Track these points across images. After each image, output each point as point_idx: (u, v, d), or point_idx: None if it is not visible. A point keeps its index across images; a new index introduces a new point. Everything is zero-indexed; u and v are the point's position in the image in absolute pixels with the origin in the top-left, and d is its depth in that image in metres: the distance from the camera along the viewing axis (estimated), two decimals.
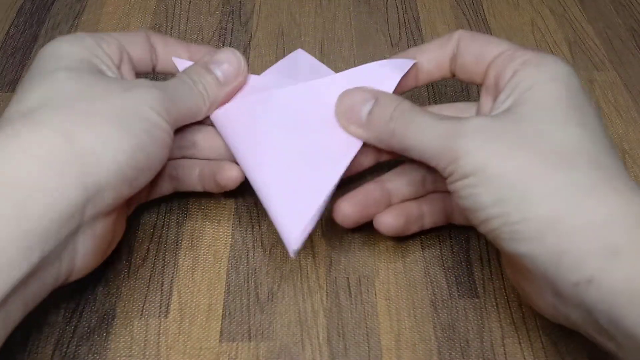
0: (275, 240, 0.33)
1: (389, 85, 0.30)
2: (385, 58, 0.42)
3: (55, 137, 0.25)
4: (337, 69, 0.42)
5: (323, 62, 0.43)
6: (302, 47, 0.44)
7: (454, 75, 0.31)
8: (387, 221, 0.30)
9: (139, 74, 0.32)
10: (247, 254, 0.33)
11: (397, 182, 0.31)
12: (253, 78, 0.33)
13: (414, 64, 0.31)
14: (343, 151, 0.29)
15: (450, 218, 0.33)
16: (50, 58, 0.28)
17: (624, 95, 0.41)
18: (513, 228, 0.24)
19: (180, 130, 0.31)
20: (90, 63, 0.29)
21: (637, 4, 0.48)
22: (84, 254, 0.27)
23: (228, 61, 0.31)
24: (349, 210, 0.30)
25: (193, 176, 0.33)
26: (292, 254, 0.27)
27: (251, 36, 0.46)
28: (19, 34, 0.46)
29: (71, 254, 0.26)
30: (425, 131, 0.26)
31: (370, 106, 0.28)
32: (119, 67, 0.30)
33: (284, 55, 0.43)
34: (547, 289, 0.24)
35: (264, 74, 0.35)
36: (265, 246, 0.33)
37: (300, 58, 0.35)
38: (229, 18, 0.47)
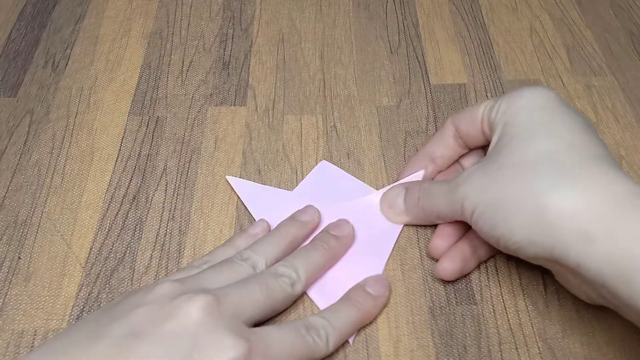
0: None
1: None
2: (384, 65, 0.43)
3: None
4: (336, 76, 0.43)
5: (322, 69, 0.43)
6: (302, 54, 0.45)
7: (469, 149, 0.35)
8: (446, 266, 0.32)
9: None
10: None
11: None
12: (292, 194, 0.36)
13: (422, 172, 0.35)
14: (385, 241, 0.34)
15: None
16: None
17: (621, 101, 0.41)
18: (513, 243, 0.28)
19: None
20: None
21: (637, 7, 0.48)
22: None
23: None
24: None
25: None
26: (351, 342, 0.30)
27: (252, 42, 0.46)
28: (21, 37, 0.47)
29: None
30: (439, 198, 0.32)
31: (403, 196, 0.34)
32: None
33: (284, 63, 0.44)
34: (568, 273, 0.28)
35: (297, 189, 0.37)
36: None
37: (327, 171, 0.38)
38: (230, 24, 0.47)
